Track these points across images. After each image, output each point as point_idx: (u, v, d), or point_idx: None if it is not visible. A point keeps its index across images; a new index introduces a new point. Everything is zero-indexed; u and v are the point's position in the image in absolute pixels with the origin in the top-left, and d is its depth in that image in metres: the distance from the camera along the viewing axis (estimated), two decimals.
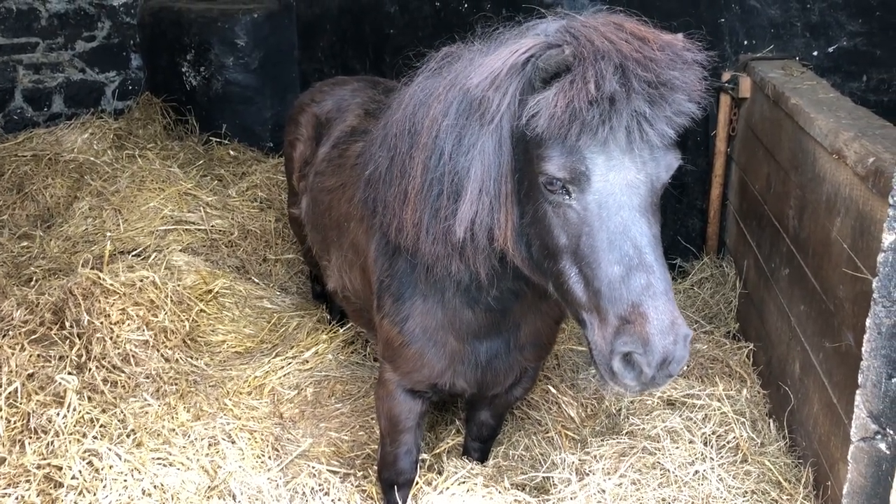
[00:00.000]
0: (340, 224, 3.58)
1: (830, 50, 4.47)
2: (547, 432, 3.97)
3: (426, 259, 2.70)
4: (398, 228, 2.74)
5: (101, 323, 4.40)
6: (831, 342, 3.08)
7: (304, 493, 3.60)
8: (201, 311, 4.89)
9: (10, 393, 3.93)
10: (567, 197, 2.21)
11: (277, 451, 3.97)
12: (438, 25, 6.08)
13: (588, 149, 2.14)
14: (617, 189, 2.14)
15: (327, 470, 3.72)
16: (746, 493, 3.12)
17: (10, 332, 4.36)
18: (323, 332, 4.87)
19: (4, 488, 3.55)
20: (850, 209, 2.92)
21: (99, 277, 4.50)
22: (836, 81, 4.09)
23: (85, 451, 3.61)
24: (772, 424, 3.64)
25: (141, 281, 4.64)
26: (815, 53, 4.48)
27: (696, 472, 3.18)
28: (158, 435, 3.90)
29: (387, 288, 3.10)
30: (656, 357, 2.04)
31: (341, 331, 4.85)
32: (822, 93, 3.74)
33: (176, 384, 4.38)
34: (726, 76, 4.63)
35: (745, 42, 4.62)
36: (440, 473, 3.54)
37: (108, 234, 5.58)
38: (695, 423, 3.41)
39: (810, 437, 3.28)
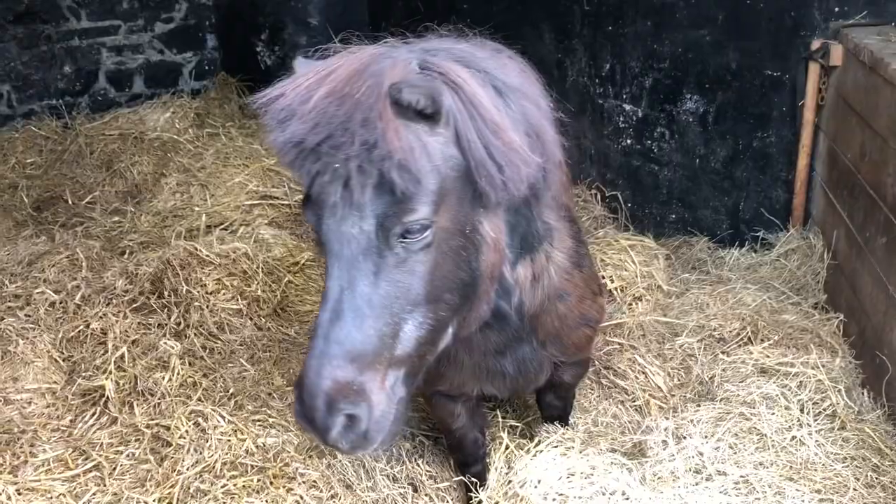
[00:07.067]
0: None
1: None
2: (634, 401, 4.01)
3: None
4: None
5: (198, 292, 4.58)
6: None
7: (400, 455, 3.72)
8: (289, 281, 5.04)
9: (117, 357, 4.13)
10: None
11: None
12: None
13: (317, 193, 2.01)
14: (333, 237, 2.03)
15: (421, 434, 3.83)
16: (846, 458, 3.12)
17: (114, 301, 4.57)
18: None
19: (117, 446, 3.75)
20: None
21: (196, 249, 4.67)
22: None
23: (190, 412, 3.78)
24: (866, 394, 3.62)
25: (234, 252, 4.80)
26: None
27: (794, 437, 3.19)
28: (256, 398, 4.06)
29: None
30: (301, 420, 2.02)
31: None
32: None
33: (269, 351, 4.54)
34: (816, 45, 4.54)
35: (836, 9, 4.51)
36: (531, 439, 3.61)
37: (196, 208, 5.77)
38: (790, 390, 3.41)
39: None
